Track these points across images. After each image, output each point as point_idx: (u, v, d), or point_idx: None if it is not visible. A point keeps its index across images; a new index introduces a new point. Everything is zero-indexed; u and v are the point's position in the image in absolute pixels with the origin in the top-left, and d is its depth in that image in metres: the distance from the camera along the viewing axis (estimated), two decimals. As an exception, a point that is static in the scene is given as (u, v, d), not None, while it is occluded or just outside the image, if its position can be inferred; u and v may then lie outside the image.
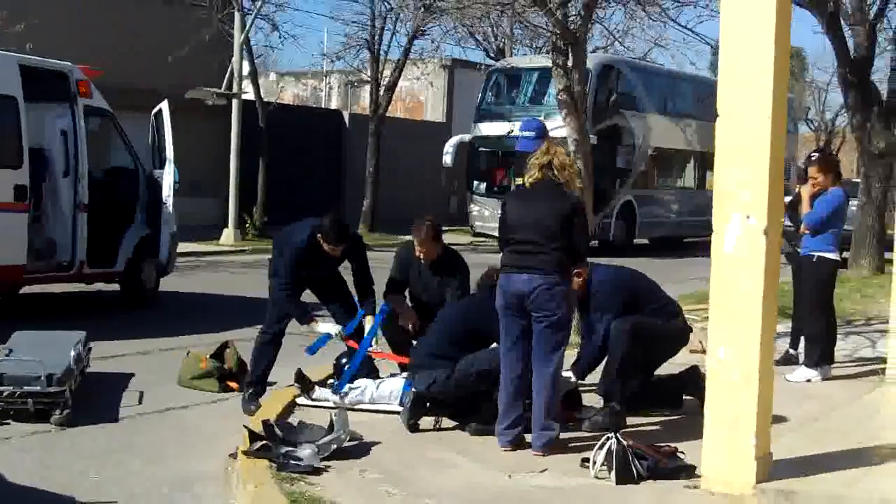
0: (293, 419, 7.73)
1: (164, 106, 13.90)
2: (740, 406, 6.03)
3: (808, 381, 9.67)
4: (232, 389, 9.27)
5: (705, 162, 32.96)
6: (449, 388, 7.60)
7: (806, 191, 9.96)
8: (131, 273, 13.82)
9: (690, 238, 31.78)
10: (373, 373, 8.65)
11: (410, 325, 8.70)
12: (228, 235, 25.58)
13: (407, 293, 9.15)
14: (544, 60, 30.24)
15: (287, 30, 39.01)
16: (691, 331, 8.49)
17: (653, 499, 6.08)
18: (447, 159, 28.00)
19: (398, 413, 7.89)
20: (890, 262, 24.17)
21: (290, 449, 6.75)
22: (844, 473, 6.36)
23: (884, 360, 10.79)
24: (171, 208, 13.84)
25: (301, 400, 8.44)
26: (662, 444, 6.69)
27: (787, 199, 9.72)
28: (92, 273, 13.32)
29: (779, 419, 7.28)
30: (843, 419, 8.17)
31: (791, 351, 10.58)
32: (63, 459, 7.14)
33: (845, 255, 17.94)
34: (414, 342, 8.80)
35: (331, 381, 8.70)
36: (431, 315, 8.48)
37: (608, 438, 6.42)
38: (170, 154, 13.77)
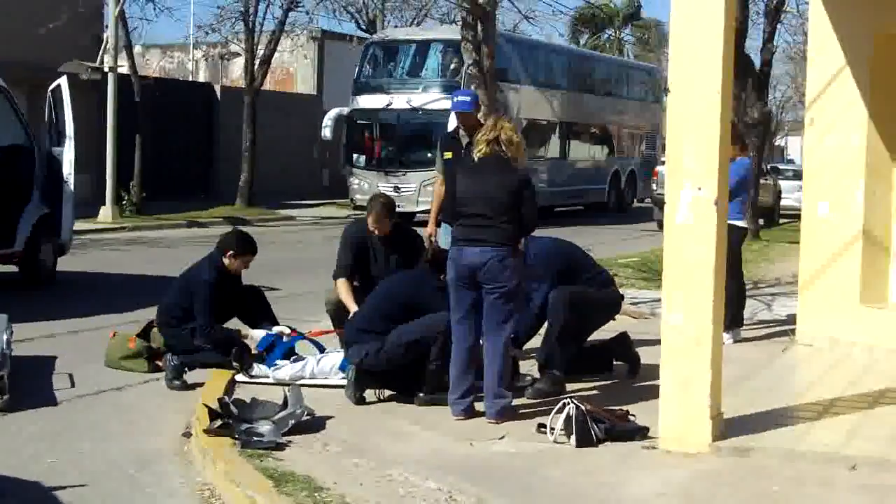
0: (240, 397, 7.76)
1: (64, 82, 13.63)
2: (694, 368, 6.32)
3: (722, 343, 10.04)
4: (162, 369, 9.21)
5: (574, 133, 33.69)
6: (380, 360, 7.67)
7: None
8: (30, 253, 13.53)
9: (561, 207, 32.44)
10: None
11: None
12: (107, 213, 25.12)
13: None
14: (422, 33, 30.57)
15: (160, 2, 37.98)
16: (622, 299, 8.78)
17: (614, 460, 6.32)
18: (326, 132, 27.98)
19: (340, 387, 8.00)
20: (762, 228, 25.25)
21: (250, 426, 6.80)
22: (789, 430, 6.72)
23: (782, 322, 11.33)
24: (71, 186, 13.59)
25: (240, 377, 8.48)
26: (616, 408, 6.94)
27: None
28: (-10, 254, 13.03)
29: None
30: (767, 379, 8.56)
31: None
32: (11, 444, 7.05)
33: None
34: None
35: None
36: None
37: (566, 404, 6.64)
38: (69, 131, 13.51)
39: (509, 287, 7.03)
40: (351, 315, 8.42)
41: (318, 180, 38.56)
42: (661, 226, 28.50)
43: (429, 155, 27.69)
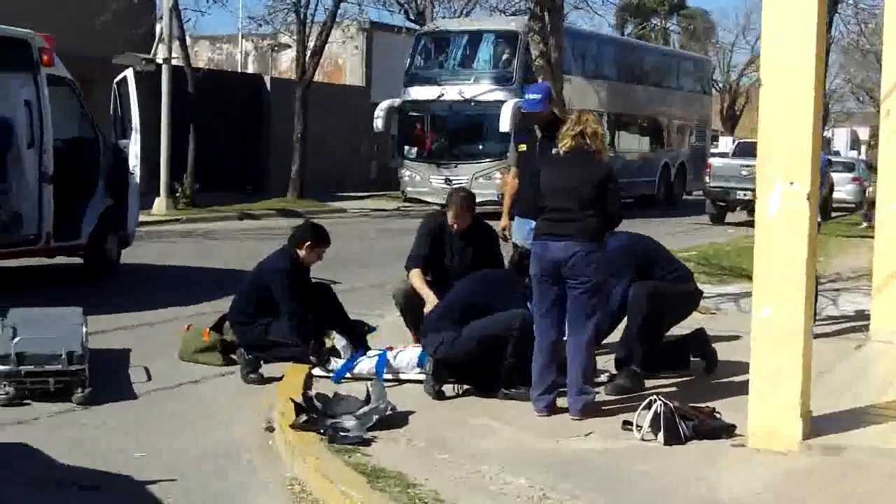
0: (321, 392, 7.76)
1: (130, 74, 13.71)
2: (785, 364, 6.26)
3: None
4: (236, 362, 9.25)
5: (623, 124, 33.54)
6: (455, 350, 7.66)
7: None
8: (95, 246, 13.63)
9: (624, 198, 32.24)
10: None
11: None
12: (161, 205, 25.27)
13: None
14: (474, 23, 30.49)
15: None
16: (701, 294, 8.72)
17: (704, 458, 6.28)
18: (378, 123, 27.94)
19: (418, 382, 8.00)
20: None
21: (336, 420, 6.81)
22: (877, 428, 6.66)
23: (850, 318, 11.21)
24: (137, 179, 13.68)
25: (317, 371, 8.49)
26: (702, 405, 6.89)
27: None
28: (57, 246, 13.12)
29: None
30: (845, 376, 8.46)
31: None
32: (96, 437, 7.11)
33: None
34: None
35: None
36: (454, 281, 8.62)
37: (653, 401, 6.60)
38: (136, 123, 13.59)
39: (594, 282, 7.00)
40: (431, 307, 8.42)
41: (366, 173, 38.61)
42: (713, 219, 28.39)
43: (480, 147, 27.72)
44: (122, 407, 7.88)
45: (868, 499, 5.61)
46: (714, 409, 6.86)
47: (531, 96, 9.42)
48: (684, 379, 8.36)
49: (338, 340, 8.64)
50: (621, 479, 5.94)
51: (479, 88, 27.14)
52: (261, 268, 8.94)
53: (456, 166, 27.13)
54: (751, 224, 20.41)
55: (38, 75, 12.64)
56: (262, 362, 8.70)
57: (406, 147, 28.15)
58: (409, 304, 9.02)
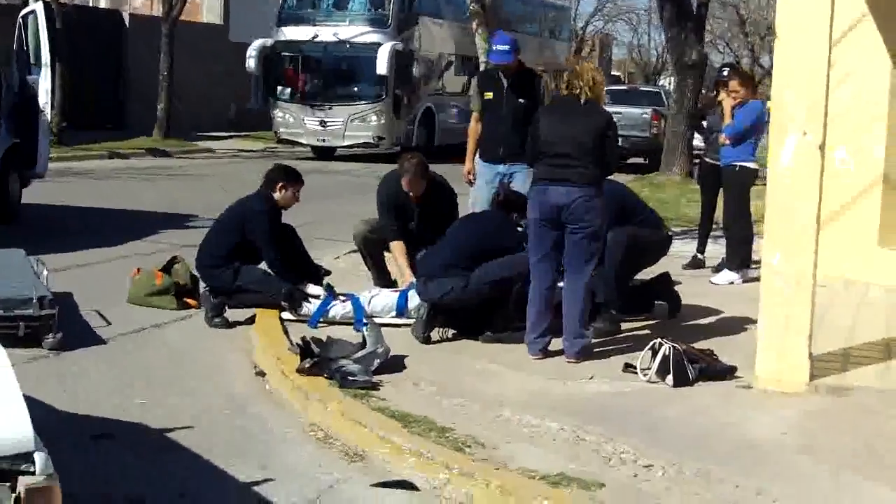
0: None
1: (39, 7, 13.10)
2: (793, 309, 6.45)
3: (731, 283, 10.26)
4: (191, 306, 9.05)
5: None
6: (466, 296, 7.68)
7: (727, 103, 10.42)
8: (-3, 186, 13.05)
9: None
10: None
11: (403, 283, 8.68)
12: (28, 143, 24.25)
13: None
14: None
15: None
16: (672, 239, 8.88)
17: (715, 400, 6.43)
18: (251, 64, 27.35)
19: (394, 326, 7.96)
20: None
21: (340, 364, 6.73)
22: (867, 369, 6.91)
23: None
24: (48, 116, 13.11)
25: (286, 315, 8.36)
26: (701, 348, 7.04)
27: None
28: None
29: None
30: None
31: (699, 255, 11.17)
32: (86, 385, 6.88)
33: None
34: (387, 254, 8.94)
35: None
36: (419, 244, 8.60)
37: (661, 344, 6.72)
38: (46, 58, 13.01)
39: (594, 227, 7.07)
40: (406, 283, 8.40)
41: (224, 113, 37.88)
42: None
43: (356, 89, 27.45)
44: (94, 353, 7.64)
45: (892, 437, 5.83)
46: (712, 350, 7.02)
47: (499, 47, 9.25)
48: (651, 322, 8.52)
49: (311, 289, 8.51)
50: (648, 421, 6.03)
51: (354, 30, 26.82)
52: (242, 211, 8.69)
53: (331, 108, 26.83)
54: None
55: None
56: (226, 307, 8.52)
57: (279, 87, 27.64)
58: (370, 247, 8.96)
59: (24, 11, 13.35)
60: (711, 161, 10.89)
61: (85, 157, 24.48)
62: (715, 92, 10.99)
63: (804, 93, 6.32)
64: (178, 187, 19.67)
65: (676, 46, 22.03)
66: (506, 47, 9.16)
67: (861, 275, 9.61)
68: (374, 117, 26.74)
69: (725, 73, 10.95)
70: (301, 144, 27.61)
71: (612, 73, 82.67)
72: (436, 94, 29.53)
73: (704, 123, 11.33)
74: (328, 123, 26.78)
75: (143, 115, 29.95)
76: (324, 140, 27.11)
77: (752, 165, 10.40)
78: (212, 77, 36.36)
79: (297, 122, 27.16)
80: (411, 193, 8.71)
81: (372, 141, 26.94)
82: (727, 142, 10.33)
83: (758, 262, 11.07)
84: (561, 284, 7.30)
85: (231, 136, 34.13)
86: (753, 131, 10.37)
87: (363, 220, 9.13)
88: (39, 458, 2.66)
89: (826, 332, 8.14)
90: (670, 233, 9.01)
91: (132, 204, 16.11)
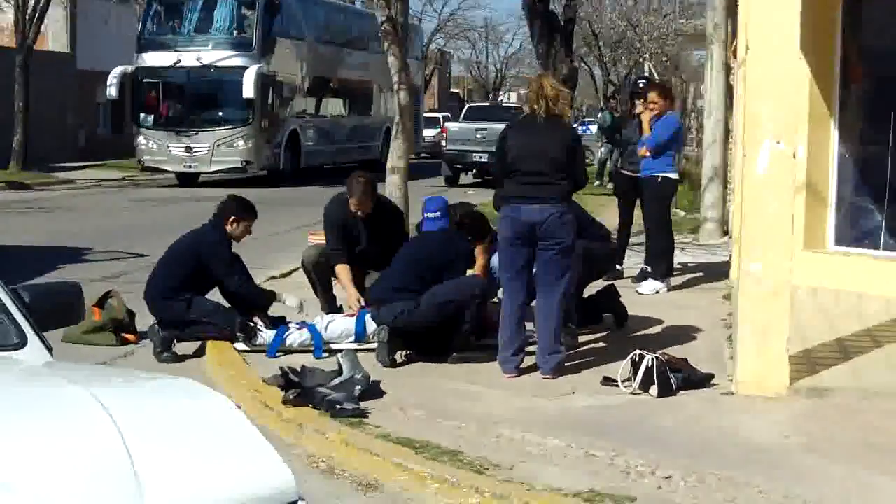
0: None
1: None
2: (772, 315, 6.60)
3: (657, 292, 10.44)
4: (129, 342, 8.77)
5: (360, 90, 33.56)
6: (414, 320, 7.65)
7: (646, 115, 10.61)
8: None
9: (349, 164, 32.30)
10: None
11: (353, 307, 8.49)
12: None
13: None
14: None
15: None
16: (617, 252, 9.00)
17: (703, 407, 6.54)
18: (111, 91, 26.73)
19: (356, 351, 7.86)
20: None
21: (324, 393, 6.62)
22: (836, 370, 7.10)
23: (706, 268, 11.84)
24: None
25: (239, 346, 8.17)
26: (680, 357, 7.15)
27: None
28: None
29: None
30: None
31: (618, 266, 11.32)
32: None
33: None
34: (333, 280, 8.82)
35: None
36: (367, 265, 8.52)
37: (642, 356, 6.79)
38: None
39: (567, 243, 7.11)
40: (353, 305, 8.34)
41: (73, 141, 36.95)
42: (448, 181, 28.85)
43: (220, 114, 27.06)
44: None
45: (889, 433, 6.01)
46: (687, 359, 7.13)
47: (431, 215, 8.21)
48: (601, 333, 8.61)
49: (289, 299, 8.39)
50: (649, 433, 6.09)
51: (218, 54, 26.45)
52: (196, 242, 8.44)
53: (197, 133, 26.38)
54: (481, 185, 21.89)
55: None
56: (175, 340, 8.28)
57: (142, 115, 27.08)
58: (319, 273, 8.84)
59: None
60: (628, 173, 11.08)
61: (-60, 192, 23.59)
62: (630, 104, 11.18)
63: (776, 103, 6.49)
64: (53, 220, 19.08)
65: (547, 60, 22.32)
66: (436, 214, 8.21)
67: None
68: (241, 141, 26.41)
69: (642, 85, 11.16)
70: (166, 171, 27.09)
71: (452, 90, 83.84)
72: (300, 116, 29.35)
73: (618, 136, 11.53)
74: (194, 149, 26.34)
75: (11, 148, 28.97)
76: (190, 166, 26.65)
77: (673, 176, 10.63)
78: (60, 105, 35.42)
79: (161, 148, 26.63)
80: (360, 213, 8.60)
81: (240, 165, 26.60)
82: (647, 153, 10.50)
83: (678, 269, 11.46)
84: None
85: (85, 166, 33.26)
86: (673, 143, 10.59)
87: (313, 244, 9.00)
88: (303, 506, 2.55)
89: (778, 334, 8.37)
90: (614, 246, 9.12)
91: (16, 240, 15.50)
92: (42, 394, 2.97)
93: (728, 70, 14.06)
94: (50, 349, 3.56)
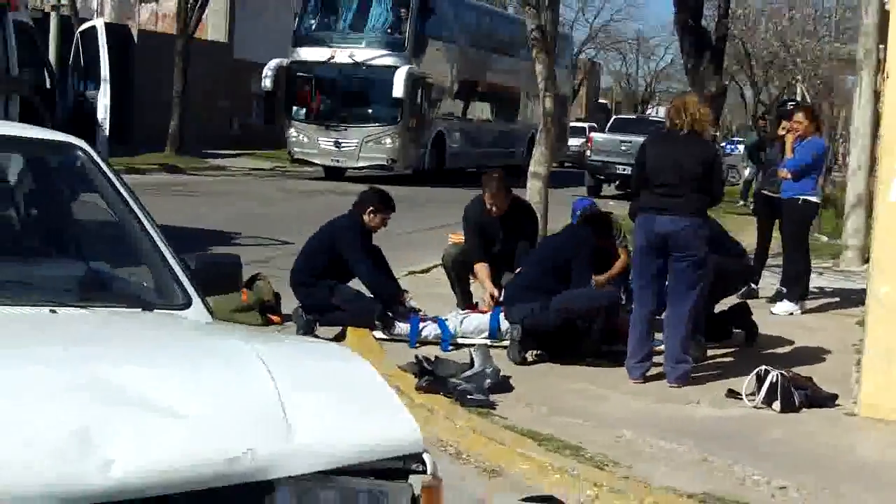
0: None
1: (100, 24, 13.27)
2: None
3: (791, 314, 10.49)
4: (273, 322, 9.22)
5: (507, 96, 33.91)
6: (546, 318, 7.90)
7: (789, 138, 10.67)
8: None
9: (492, 168, 32.62)
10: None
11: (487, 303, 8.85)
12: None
13: None
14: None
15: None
16: (753, 271, 9.13)
17: (823, 425, 6.67)
18: (266, 83, 27.57)
19: (489, 347, 8.16)
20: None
21: (457, 383, 6.93)
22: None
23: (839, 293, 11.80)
24: (106, 132, 13.25)
25: (378, 334, 8.54)
26: (805, 375, 7.27)
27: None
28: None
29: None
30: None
31: (753, 286, 11.37)
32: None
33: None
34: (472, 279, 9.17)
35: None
36: (503, 265, 8.82)
37: (767, 371, 6.94)
38: (105, 74, 13.16)
39: (699, 255, 7.30)
40: (488, 303, 8.66)
41: (226, 130, 38.13)
42: (590, 191, 28.94)
43: (370, 111, 27.66)
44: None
45: None
46: (811, 378, 7.25)
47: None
48: (730, 349, 8.75)
49: (412, 304, 8.74)
50: (766, 445, 6.26)
51: (370, 53, 27.04)
52: (331, 229, 8.87)
53: (346, 129, 27.03)
54: (622, 197, 21.74)
55: (5, 19, 12.12)
56: (317, 324, 8.69)
57: (294, 107, 27.85)
58: (459, 270, 9.17)
59: (82, 27, 13.50)
60: (768, 193, 11.15)
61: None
62: (777, 125, 11.23)
63: (915, 132, 6.58)
64: (204, 203, 19.82)
65: (696, 77, 22.31)
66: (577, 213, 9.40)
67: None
68: (388, 140, 26.96)
69: (790, 107, 11.21)
70: (314, 164, 27.79)
71: (600, 101, 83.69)
72: (447, 118, 29.81)
73: (762, 156, 11.59)
74: (342, 144, 26.97)
75: (150, 131, 30.09)
76: (337, 161, 27.28)
77: (814, 199, 10.65)
78: (216, 94, 36.59)
79: (311, 142, 27.33)
80: (494, 209, 8.92)
81: (386, 163, 27.13)
82: (787, 175, 10.56)
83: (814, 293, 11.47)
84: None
85: (238, 154, 34.28)
86: (815, 167, 10.62)
87: (453, 243, 9.38)
88: (428, 458, 2.86)
89: None
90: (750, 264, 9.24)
91: (168, 220, 16.16)
92: (209, 343, 3.37)
93: (877, 97, 13.96)
94: (211, 311, 3.92)
